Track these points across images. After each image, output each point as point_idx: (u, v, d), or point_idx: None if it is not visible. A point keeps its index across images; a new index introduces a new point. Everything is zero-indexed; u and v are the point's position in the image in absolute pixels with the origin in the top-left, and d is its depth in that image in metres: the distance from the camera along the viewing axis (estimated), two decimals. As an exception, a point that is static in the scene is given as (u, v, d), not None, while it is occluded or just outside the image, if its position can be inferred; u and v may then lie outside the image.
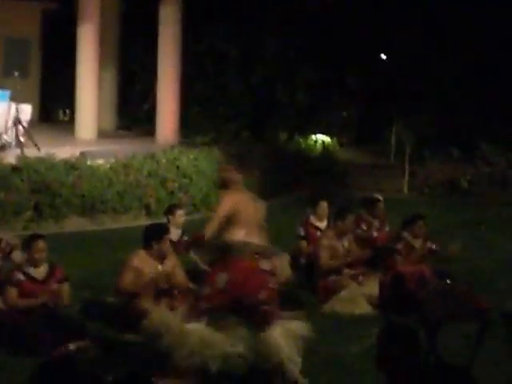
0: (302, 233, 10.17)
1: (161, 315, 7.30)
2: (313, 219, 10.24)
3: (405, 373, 3.85)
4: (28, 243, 7.56)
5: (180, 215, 9.33)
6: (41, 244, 7.45)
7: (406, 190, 18.43)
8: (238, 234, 6.38)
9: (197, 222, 13.08)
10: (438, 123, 20.46)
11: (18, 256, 8.02)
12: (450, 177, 18.63)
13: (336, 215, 9.49)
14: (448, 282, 5.92)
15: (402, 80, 21.83)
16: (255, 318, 6.28)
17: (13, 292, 7.33)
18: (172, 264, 7.77)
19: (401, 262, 9.16)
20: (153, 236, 7.59)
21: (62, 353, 6.89)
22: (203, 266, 9.29)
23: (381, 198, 10.85)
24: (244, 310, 6.24)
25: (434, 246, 9.40)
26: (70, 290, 7.66)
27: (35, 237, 7.68)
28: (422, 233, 9.33)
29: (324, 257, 9.12)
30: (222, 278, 6.24)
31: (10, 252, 8.22)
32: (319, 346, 7.55)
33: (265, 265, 6.32)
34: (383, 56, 23.46)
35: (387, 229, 10.40)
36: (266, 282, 6.33)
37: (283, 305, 8.35)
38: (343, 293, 8.86)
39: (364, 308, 8.74)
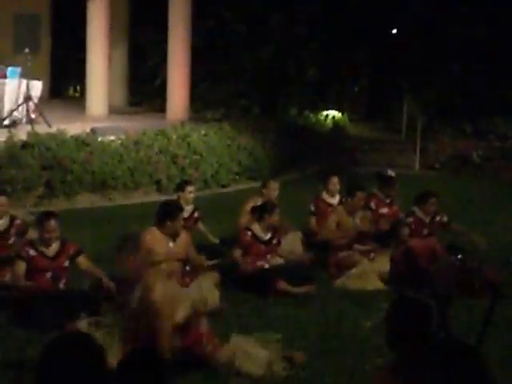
0: (313, 208, 10.16)
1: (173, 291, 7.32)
2: (324, 195, 10.21)
3: (414, 346, 3.84)
4: (40, 221, 7.52)
5: (190, 191, 9.30)
6: (52, 223, 7.42)
7: (417, 165, 18.35)
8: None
9: (207, 198, 13.13)
10: (450, 98, 20.34)
11: (33, 235, 8.04)
12: (461, 152, 18.51)
13: (346, 192, 9.48)
14: (459, 256, 5.91)
15: (413, 55, 21.68)
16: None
17: (21, 266, 7.34)
18: (184, 241, 7.78)
19: (409, 235, 9.13)
20: (167, 214, 7.58)
21: (74, 327, 6.93)
22: (212, 239, 9.38)
23: (394, 175, 10.79)
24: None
25: (445, 218, 9.36)
26: (88, 260, 7.68)
27: (47, 215, 7.64)
28: (433, 210, 9.29)
29: (331, 228, 9.14)
30: None
31: (26, 231, 8.25)
32: (332, 321, 7.60)
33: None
34: (394, 30, 23.29)
35: (396, 207, 10.36)
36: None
37: (295, 281, 8.43)
38: (355, 270, 8.87)
39: (376, 284, 8.74)
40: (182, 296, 6.27)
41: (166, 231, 7.60)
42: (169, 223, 7.56)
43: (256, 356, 6.20)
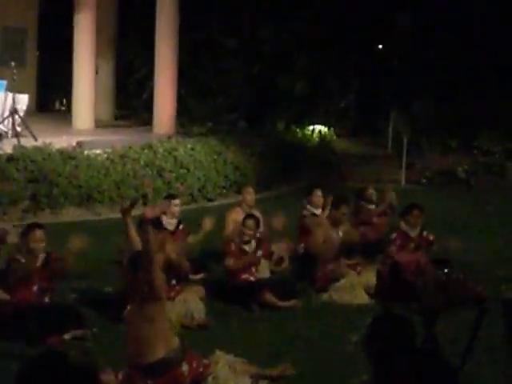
0: (299, 225, 10.15)
1: None
2: (309, 208, 10.24)
3: (396, 362, 3.82)
4: (25, 232, 7.47)
5: (175, 205, 9.27)
6: (38, 233, 7.38)
7: (403, 180, 18.41)
8: None
9: (194, 212, 13.09)
10: (435, 114, 20.44)
11: (12, 240, 7.98)
12: (447, 167, 18.61)
13: (331, 205, 9.50)
14: (446, 270, 5.90)
15: (399, 71, 21.79)
16: None
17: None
18: (167, 253, 7.69)
19: (396, 252, 9.15)
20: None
21: (57, 342, 6.89)
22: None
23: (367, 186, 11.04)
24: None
25: (431, 237, 9.40)
26: (71, 260, 7.54)
27: (33, 226, 7.59)
28: (418, 222, 9.33)
29: (318, 244, 9.15)
30: None
31: (4, 238, 8.20)
32: (318, 336, 7.58)
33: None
34: (380, 46, 23.41)
35: (385, 217, 10.44)
36: None
37: (281, 294, 8.42)
38: (342, 282, 8.89)
39: (362, 298, 8.75)
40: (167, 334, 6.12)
41: None
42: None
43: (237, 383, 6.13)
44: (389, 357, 3.85)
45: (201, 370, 6.02)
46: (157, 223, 7.77)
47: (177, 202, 9.33)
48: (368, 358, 3.94)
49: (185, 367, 5.88)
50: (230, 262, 8.57)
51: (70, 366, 3.11)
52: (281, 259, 9.61)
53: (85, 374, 3.18)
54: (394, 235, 9.28)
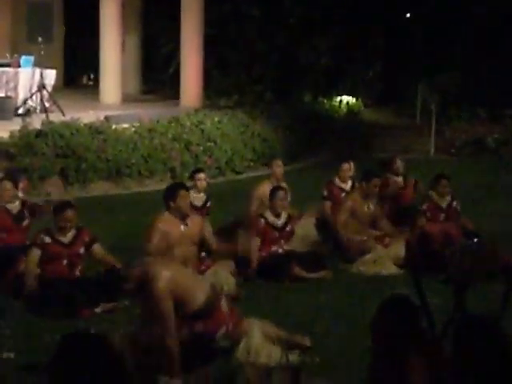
0: (326, 193, 10.14)
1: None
2: (336, 181, 10.21)
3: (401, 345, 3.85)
4: (57, 211, 7.55)
5: (199, 179, 9.16)
6: (69, 213, 7.44)
7: (432, 150, 18.27)
8: None
9: (221, 186, 13.12)
10: (464, 82, 20.21)
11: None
12: (477, 137, 18.41)
13: (362, 177, 9.47)
14: (475, 240, 5.87)
15: (427, 39, 21.54)
16: None
17: (34, 254, 7.36)
18: (196, 224, 7.65)
19: (425, 223, 9.12)
20: (167, 195, 7.50)
21: (89, 315, 6.96)
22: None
23: (394, 156, 10.95)
24: None
25: (459, 207, 9.36)
26: (103, 248, 7.68)
27: (65, 205, 7.67)
28: (447, 192, 9.29)
29: (342, 220, 9.13)
30: None
31: (38, 211, 8.39)
32: (347, 307, 7.59)
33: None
34: (408, 15, 23.14)
35: (412, 182, 10.40)
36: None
37: (309, 266, 8.42)
38: (369, 256, 8.86)
39: (391, 269, 8.72)
40: (199, 282, 6.23)
41: (173, 213, 7.48)
42: (171, 204, 7.42)
43: (269, 351, 6.15)
44: (390, 340, 3.89)
45: (235, 319, 6.11)
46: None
47: (201, 175, 9.23)
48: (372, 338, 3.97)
49: (224, 307, 6.04)
50: (257, 241, 8.46)
51: (105, 348, 3.14)
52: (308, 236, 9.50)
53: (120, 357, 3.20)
54: (424, 206, 9.26)
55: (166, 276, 5.69)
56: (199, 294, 5.89)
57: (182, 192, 7.42)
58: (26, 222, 8.28)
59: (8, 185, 8.33)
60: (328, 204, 10.03)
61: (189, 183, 9.46)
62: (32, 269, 7.34)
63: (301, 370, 5.08)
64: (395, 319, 3.91)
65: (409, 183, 10.47)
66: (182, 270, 6.29)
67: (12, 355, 6.16)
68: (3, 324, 6.86)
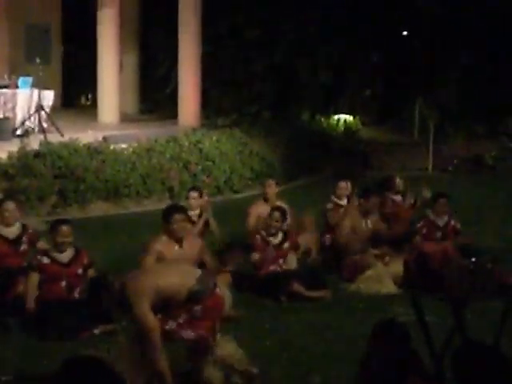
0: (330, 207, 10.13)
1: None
2: (334, 198, 10.22)
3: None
4: (52, 228, 7.61)
5: (193, 197, 9.33)
6: (64, 229, 7.47)
7: (430, 167, 18.31)
8: None
9: (220, 205, 13.12)
10: (461, 100, 20.27)
11: (43, 245, 8.08)
12: (474, 154, 18.46)
13: (360, 195, 9.49)
14: (472, 259, 5.88)
15: (425, 56, 21.61)
16: None
17: (33, 276, 7.37)
18: (192, 245, 7.63)
19: (422, 242, 9.13)
20: (163, 217, 7.51)
21: (88, 337, 6.95)
22: (221, 237, 9.37)
23: (394, 175, 10.94)
24: None
25: (458, 226, 9.37)
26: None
27: (59, 222, 7.76)
28: (445, 211, 9.30)
29: (345, 228, 9.15)
30: None
31: (36, 241, 8.28)
32: (347, 326, 7.58)
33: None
34: (405, 32, 23.23)
35: (411, 201, 10.39)
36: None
37: (309, 285, 8.42)
38: (369, 272, 8.87)
39: (390, 287, 8.73)
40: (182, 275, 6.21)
41: (169, 236, 7.48)
42: (167, 226, 7.44)
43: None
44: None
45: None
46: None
47: (195, 194, 9.38)
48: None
49: (219, 291, 6.11)
50: (255, 256, 8.60)
51: (106, 371, 3.14)
52: (309, 250, 9.58)
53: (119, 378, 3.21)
54: (420, 224, 9.28)
55: (142, 289, 5.71)
56: (183, 288, 5.87)
57: (177, 216, 7.37)
58: (23, 247, 8.12)
59: (11, 205, 8.20)
60: (331, 214, 9.99)
61: (185, 202, 9.52)
62: (31, 293, 7.34)
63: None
64: (387, 345, 3.92)
65: (408, 202, 10.47)
66: (162, 271, 6.29)
67: (11, 378, 6.15)
68: (2, 346, 6.85)
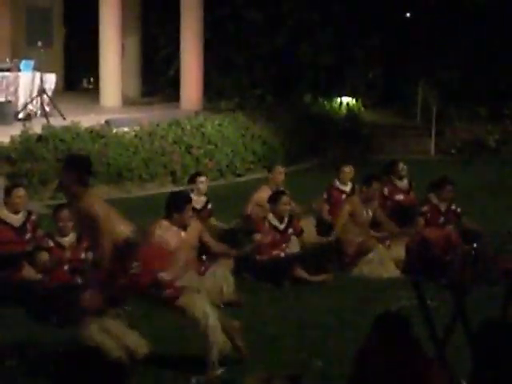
0: (325, 196, 10.14)
1: (190, 281, 7.32)
2: (337, 183, 10.21)
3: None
4: (53, 213, 7.73)
5: (201, 182, 9.24)
6: (64, 213, 7.52)
7: (433, 151, 18.28)
8: None
9: (222, 188, 13.14)
10: (464, 82, 20.19)
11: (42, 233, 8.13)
12: (477, 137, 18.41)
13: (362, 181, 9.47)
14: (474, 245, 5.88)
15: (426, 38, 21.52)
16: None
17: (44, 255, 7.44)
18: (195, 229, 7.69)
19: (425, 224, 9.12)
20: (174, 206, 7.53)
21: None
22: (226, 227, 9.36)
23: (397, 160, 10.86)
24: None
25: (458, 210, 9.36)
26: None
27: (60, 207, 7.78)
28: (450, 197, 9.29)
29: (340, 224, 9.13)
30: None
31: (37, 228, 8.28)
32: (349, 310, 7.61)
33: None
34: (408, 14, 23.14)
35: (412, 194, 10.35)
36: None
37: (312, 269, 8.44)
38: (371, 255, 8.88)
39: (392, 271, 8.75)
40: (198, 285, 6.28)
41: (174, 223, 7.53)
42: (176, 215, 7.47)
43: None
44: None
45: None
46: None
47: (202, 179, 9.31)
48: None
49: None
50: (257, 237, 8.55)
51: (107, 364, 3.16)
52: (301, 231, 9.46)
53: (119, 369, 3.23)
54: (424, 208, 9.25)
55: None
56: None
57: (189, 206, 7.48)
58: (28, 236, 8.06)
59: (22, 192, 8.13)
60: (326, 207, 10.02)
61: (188, 186, 9.50)
62: (44, 268, 7.44)
63: (301, 379, 5.09)
64: (387, 336, 3.95)
65: (412, 186, 10.44)
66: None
67: (14, 363, 6.18)
68: (5, 331, 6.89)
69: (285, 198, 8.72)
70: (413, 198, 10.29)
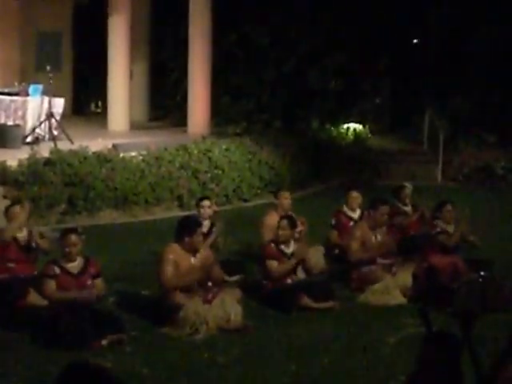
0: (334, 222, 10.13)
1: (196, 308, 7.34)
2: (345, 209, 10.19)
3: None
4: (61, 237, 7.59)
5: (206, 206, 9.28)
6: (73, 238, 7.42)
7: (439, 177, 18.26)
8: None
9: (229, 213, 13.13)
10: (472, 109, 20.20)
11: (43, 243, 8.13)
12: (484, 164, 18.37)
13: (369, 206, 9.45)
14: (482, 274, 5.86)
15: (435, 66, 21.58)
16: None
17: (51, 283, 7.33)
18: (205, 256, 7.74)
19: (430, 255, 9.08)
20: (185, 230, 7.55)
21: (96, 347, 6.94)
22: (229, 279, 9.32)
23: (407, 184, 10.83)
24: None
25: (471, 238, 9.35)
26: (103, 283, 7.63)
27: (67, 231, 7.70)
28: (452, 217, 9.28)
29: (354, 248, 9.08)
30: None
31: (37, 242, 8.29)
32: (355, 337, 7.56)
33: None
34: (415, 41, 23.22)
35: (415, 217, 10.35)
36: None
37: (318, 296, 8.40)
38: (377, 285, 8.82)
39: (398, 299, 8.70)
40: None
41: (185, 247, 7.56)
42: (187, 239, 7.50)
43: None
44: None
45: None
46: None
47: (207, 203, 9.34)
48: None
49: None
50: (273, 264, 8.50)
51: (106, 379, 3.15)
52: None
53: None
54: (435, 232, 9.20)
55: None
56: None
57: (199, 229, 7.58)
58: (34, 253, 8.16)
59: (17, 209, 8.21)
60: (335, 233, 10.01)
61: (194, 211, 9.51)
62: (51, 297, 7.36)
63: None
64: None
65: (417, 212, 10.43)
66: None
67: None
68: (12, 355, 6.86)
69: (283, 223, 8.65)
70: (418, 223, 10.27)
